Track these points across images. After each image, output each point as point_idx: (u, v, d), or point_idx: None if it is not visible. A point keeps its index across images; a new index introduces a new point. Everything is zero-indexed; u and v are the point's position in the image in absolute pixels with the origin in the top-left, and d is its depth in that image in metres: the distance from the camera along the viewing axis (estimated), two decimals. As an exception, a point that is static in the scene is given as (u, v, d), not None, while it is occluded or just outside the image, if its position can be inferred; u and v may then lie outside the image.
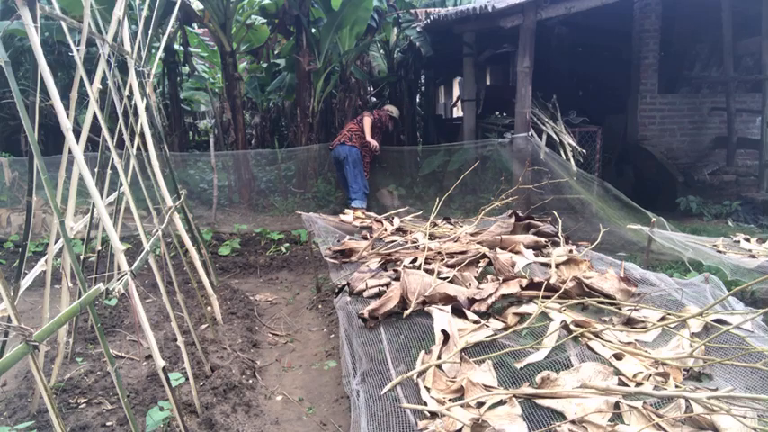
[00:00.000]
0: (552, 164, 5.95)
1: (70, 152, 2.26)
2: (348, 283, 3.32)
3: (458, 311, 2.75)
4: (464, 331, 2.56)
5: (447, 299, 2.87)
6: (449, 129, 10.06)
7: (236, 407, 2.98)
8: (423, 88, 11.02)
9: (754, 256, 4.03)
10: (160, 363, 2.32)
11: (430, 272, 3.22)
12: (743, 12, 7.40)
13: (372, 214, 5.00)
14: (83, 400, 2.99)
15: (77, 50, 2.52)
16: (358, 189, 6.63)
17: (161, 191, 3.58)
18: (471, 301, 2.81)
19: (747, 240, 4.50)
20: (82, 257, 3.14)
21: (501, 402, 2.02)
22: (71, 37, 2.67)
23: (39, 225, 6.32)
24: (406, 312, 2.79)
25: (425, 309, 2.81)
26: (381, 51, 10.14)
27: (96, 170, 2.99)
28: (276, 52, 10.23)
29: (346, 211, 5.05)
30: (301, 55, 8.06)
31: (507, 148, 6.53)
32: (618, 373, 2.19)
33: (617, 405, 1.92)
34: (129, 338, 3.84)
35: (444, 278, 3.11)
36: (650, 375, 2.15)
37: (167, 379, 2.34)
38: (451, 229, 4.35)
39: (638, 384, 2.09)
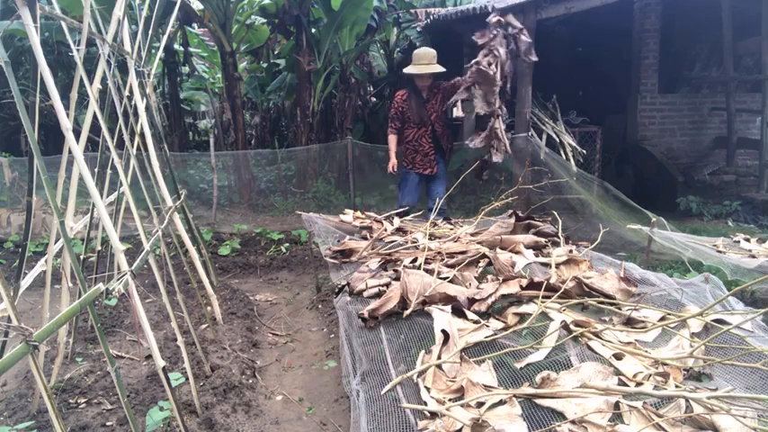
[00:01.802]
0: (552, 164, 5.94)
1: (70, 152, 2.26)
2: (348, 283, 3.31)
3: (458, 311, 2.74)
4: (464, 331, 2.56)
5: (447, 299, 2.86)
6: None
7: (236, 407, 2.98)
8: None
9: (754, 256, 4.02)
10: (160, 363, 2.32)
11: (430, 272, 3.21)
12: (743, 12, 7.40)
13: (372, 214, 5.00)
14: (83, 400, 2.99)
15: (77, 50, 2.52)
16: (397, 201, 5.88)
17: (161, 191, 3.58)
18: (471, 301, 2.81)
19: (747, 240, 4.49)
20: (82, 257, 3.15)
21: (501, 402, 2.01)
22: (71, 37, 2.67)
23: (39, 225, 6.32)
24: (406, 312, 2.79)
25: (425, 309, 2.80)
26: (381, 51, 10.14)
27: (96, 170, 2.99)
28: (276, 52, 10.24)
29: (346, 210, 5.04)
30: (301, 55, 8.06)
31: (507, 148, 6.52)
32: (618, 373, 2.18)
33: (617, 405, 1.91)
34: (129, 338, 3.85)
35: (444, 278, 3.11)
36: (650, 375, 2.14)
37: (167, 379, 2.35)
38: (451, 230, 4.34)
39: (638, 384, 2.09)
